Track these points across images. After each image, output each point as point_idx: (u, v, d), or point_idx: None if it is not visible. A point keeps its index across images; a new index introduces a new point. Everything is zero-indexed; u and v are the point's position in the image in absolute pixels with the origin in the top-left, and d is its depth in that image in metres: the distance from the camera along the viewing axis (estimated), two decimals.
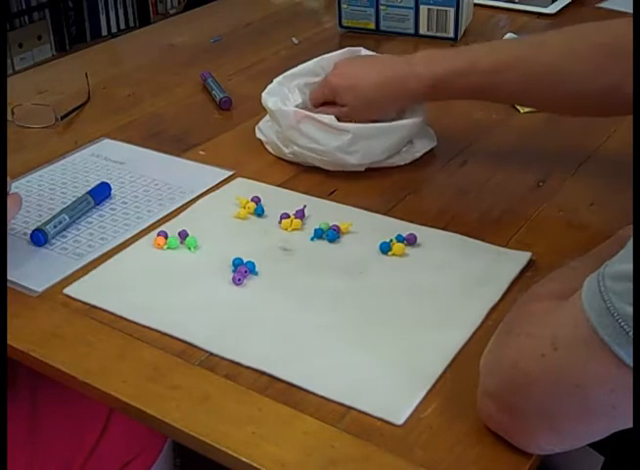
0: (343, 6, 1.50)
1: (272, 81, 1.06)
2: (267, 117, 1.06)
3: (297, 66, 1.09)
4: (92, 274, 0.84)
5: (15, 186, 1.00)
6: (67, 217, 0.91)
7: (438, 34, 1.46)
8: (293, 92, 1.06)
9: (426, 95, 0.97)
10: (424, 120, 1.02)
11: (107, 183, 0.99)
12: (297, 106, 1.04)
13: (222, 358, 0.72)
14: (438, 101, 1.00)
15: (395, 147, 1.01)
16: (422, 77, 0.95)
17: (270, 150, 1.07)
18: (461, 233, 0.89)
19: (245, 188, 0.98)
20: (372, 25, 1.49)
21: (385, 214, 0.93)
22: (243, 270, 0.82)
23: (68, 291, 0.82)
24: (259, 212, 0.93)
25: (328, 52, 1.10)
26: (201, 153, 1.08)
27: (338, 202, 0.96)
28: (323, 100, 1.03)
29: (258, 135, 1.09)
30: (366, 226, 0.91)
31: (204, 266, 0.85)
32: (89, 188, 0.97)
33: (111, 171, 1.04)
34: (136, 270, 0.85)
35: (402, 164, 1.03)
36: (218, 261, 0.85)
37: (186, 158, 1.07)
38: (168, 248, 0.88)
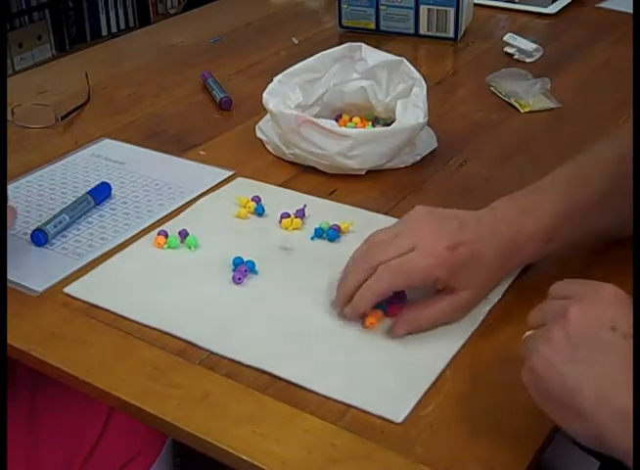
0: (343, 6, 1.50)
1: (273, 80, 1.06)
2: (268, 117, 1.06)
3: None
4: (92, 273, 0.84)
5: (15, 186, 1.00)
6: (67, 217, 0.91)
7: (438, 34, 1.46)
8: (294, 90, 1.06)
9: (541, 251, 0.79)
10: (424, 123, 1.01)
11: (107, 183, 0.99)
12: (298, 104, 1.04)
13: (223, 357, 0.73)
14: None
15: (396, 151, 1.01)
16: (534, 237, 0.77)
17: (270, 150, 1.07)
18: None
19: (245, 188, 0.98)
20: (372, 25, 1.49)
21: (385, 214, 0.93)
22: (243, 269, 0.82)
23: (68, 290, 0.82)
24: (260, 212, 0.93)
25: None
26: (201, 153, 1.08)
27: (338, 201, 0.96)
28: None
29: (259, 135, 1.09)
30: (366, 226, 0.91)
31: (204, 265, 0.85)
32: (89, 188, 0.97)
33: (111, 171, 1.04)
34: (136, 269, 0.85)
35: (403, 166, 1.03)
36: (218, 261, 0.85)
37: (186, 158, 1.07)
38: (169, 247, 0.88)
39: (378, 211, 0.94)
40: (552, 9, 1.59)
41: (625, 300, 0.59)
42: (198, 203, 0.96)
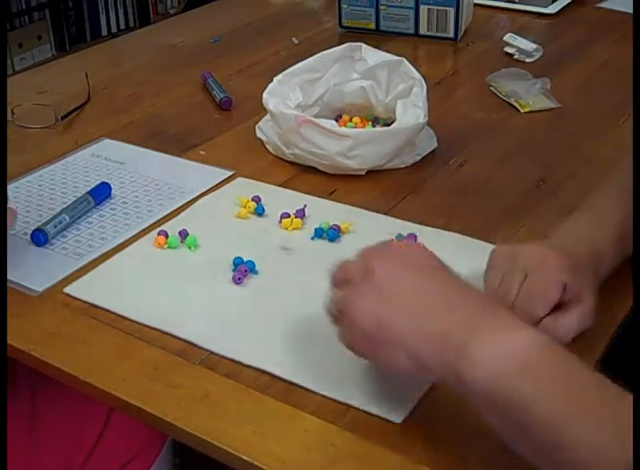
0: (343, 6, 1.50)
1: (273, 80, 1.06)
2: (268, 117, 1.06)
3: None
4: (92, 273, 0.84)
5: (15, 186, 1.00)
6: (67, 217, 0.91)
7: (438, 34, 1.46)
8: (294, 90, 1.06)
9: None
10: (424, 123, 1.01)
11: (107, 183, 0.99)
12: (298, 104, 1.04)
13: (222, 357, 0.73)
14: None
15: (396, 151, 1.01)
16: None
17: (270, 150, 1.07)
18: (461, 233, 0.89)
19: (245, 188, 0.98)
20: (372, 25, 1.49)
21: (385, 214, 0.93)
22: (243, 269, 0.82)
23: (68, 290, 0.82)
24: (260, 212, 0.93)
25: None
26: (201, 153, 1.08)
27: (338, 201, 0.96)
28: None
29: (259, 135, 1.09)
30: (366, 226, 0.91)
31: (204, 265, 0.85)
32: (89, 188, 0.97)
33: (111, 171, 1.04)
34: (136, 269, 0.85)
35: (403, 166, 1.03)
36: (219, 261, 0.85)
37: (186, 158, 1.07)
38: (169, 247, 0.88)
39: (378, 212, 0.94)
40: (552, 9, 1.59)
41: (421, 245, 0.67)
42: (198, 203, 0.96)
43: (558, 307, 0.71)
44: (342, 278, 0.66)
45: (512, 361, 0.55)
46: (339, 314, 0.64)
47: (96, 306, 0.80)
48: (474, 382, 0.56)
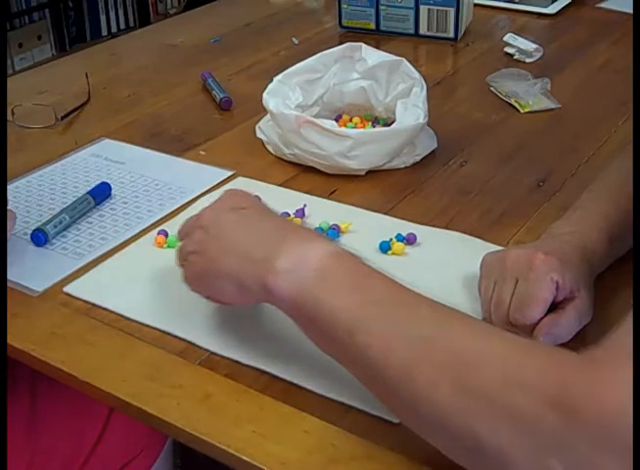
0: (343, 6, 1.50)
1: (273, 80, 1.06)
2: (268, 117, 1.06)
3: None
4: (93, 273, 0.84)
5: (15, 186, 1.00)
6: (67, 217, 0.91)
7: (438, 34, 1.46)
8: (294, 90, 1.06)
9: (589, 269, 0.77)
10: (424, 123, 1.01)
11: (107, 183, 0.99)
12: (298, 104, 1.04)
13: (223, 357, 0.73)
14: None
15: (396, 151, 1.01)
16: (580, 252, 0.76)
17: (271, 150, 1.07)
18: (461, 233, 0.89)
19: (245, 188, 0.97)
20: (372, 25, 1.49)
21: (385, 214, 0.93)
22: None
23: (68, 289, 0.82)
24: None
25: None
26: (201, 153, 1.08)
27: (338, 201, 0.96)
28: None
29: (259, 135, 1.09)
30: (366, 225, 0.91)
31: None
32: (89, 188, 0.97)
33: (111, 171, 1.04)
34: (136, 269, 0.85)
35: (403, 166, 1.03)
36: None
37: (186, 158, 1.07)
38: (169, 246, 0.88)
39: (378, 212, 0.94)
40: (552, 9, 1.59)
41: (241, 191, 0.75)
42: (198, 202, 0.96)
43: (554, 308, 0.72)
44: (183, 231, 0.74)
45: (308, 268, 0.61)
46: (182, 261, 0.73)
47: (96, 306, 0.80)
48: (280, 292, 0.62)
